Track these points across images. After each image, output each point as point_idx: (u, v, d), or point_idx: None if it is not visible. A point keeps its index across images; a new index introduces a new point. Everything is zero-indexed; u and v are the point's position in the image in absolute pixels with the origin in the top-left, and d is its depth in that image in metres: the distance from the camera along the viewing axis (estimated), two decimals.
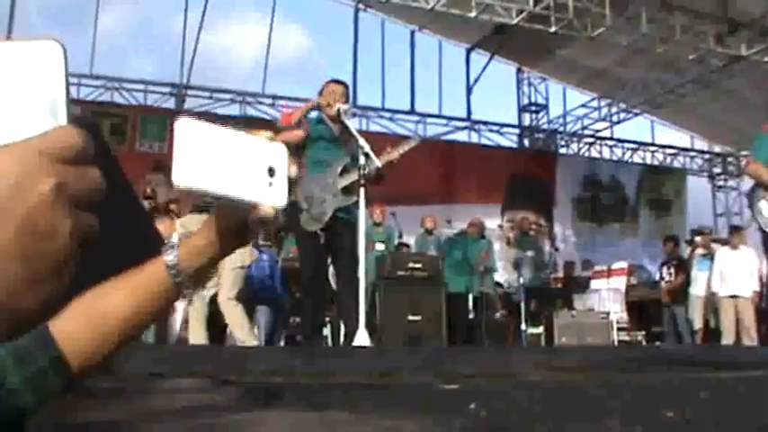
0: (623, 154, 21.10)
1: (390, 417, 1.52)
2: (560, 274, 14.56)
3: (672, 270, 12.18)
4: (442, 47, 19.04)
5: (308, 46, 21.73)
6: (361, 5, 17.72)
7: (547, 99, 20.38)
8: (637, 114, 20.02)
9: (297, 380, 2.69)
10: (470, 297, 10.82)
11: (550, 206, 19.26)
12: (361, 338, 5.49)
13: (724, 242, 11.80)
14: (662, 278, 12.45)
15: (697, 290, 11.64)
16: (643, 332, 12.75)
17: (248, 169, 1.10)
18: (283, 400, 1.93)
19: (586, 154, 20.68)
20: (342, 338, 6.49)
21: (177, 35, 16.66)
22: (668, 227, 19.23)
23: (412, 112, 18.64)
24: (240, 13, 22.54)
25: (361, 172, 5.79)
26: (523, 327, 10.86)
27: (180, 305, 7.44)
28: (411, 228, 12.51)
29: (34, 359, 1.00)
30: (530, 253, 12.26)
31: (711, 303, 11.43)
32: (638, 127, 20.99)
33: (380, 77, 18.36)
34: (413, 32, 18.64)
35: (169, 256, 1.13)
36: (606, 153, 20.93)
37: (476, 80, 19.18)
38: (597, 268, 14.64)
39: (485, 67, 19.15)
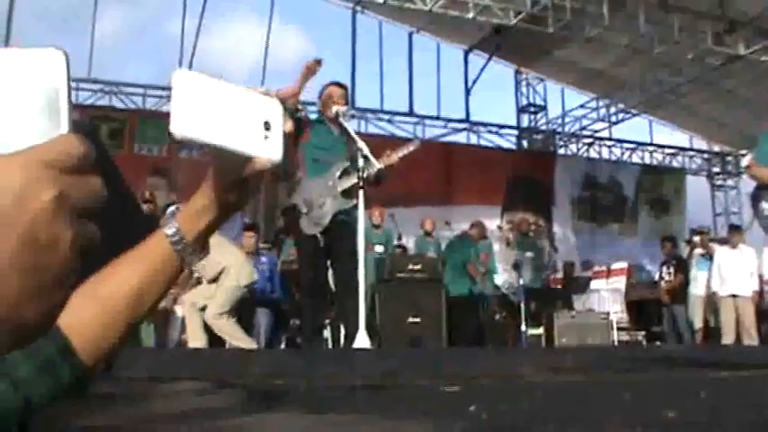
0: (622, 154, 21.11)
1: (391, 418, 1.52)
2: (560, 275, 14.58)
3: (671, 270, 12.20)
4: (440, 48, 19.07)
5: (306, 48, 21.67)
6: (358, 7, 17.71)
7: (545, 100, 20.37)
8: (635, 114, 20.02)
9: (298, 382, 2.69)
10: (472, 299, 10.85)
11: (550, 207, 19.25)
12: (362, 341, 5.49)
13: (723, 241, 11.80)
14: (661, 278, 12.47)
15: (697, 289, 11.65)
16: (643, 332, 12.75)
17: (245, 122, 1.09)
18: (284, 402, 1.93)
19: (585, 154, 20.68)
20: (342, 341, 6.49)
21: (175, 38, 16.68)
22: (667, 226, 19.25)
23: (410, 113, 18.62)
24: (238, 16, 22.59)
25: (361, 174, 5.80)
26: (524, 328, 10.86)
27: (179, 309, 7.44)
28: (410, 229, 12.51)
29: (41, 349, 0.99)
30: (529, 254, 12.28)
31: (711, 303, 11.45)
32: (636, 127, 21.01)
33: (379, 79, 18.38)
34: (411, 34, 18.62)
35: (168, 227, 1.12)
36: (605, 153, 20.93)
37: (474, 81, 19.17)
38: (597, 268, 14.64)
39: (483, 69, 19.13)
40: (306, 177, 6.16)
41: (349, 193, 5.99)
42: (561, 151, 20.51)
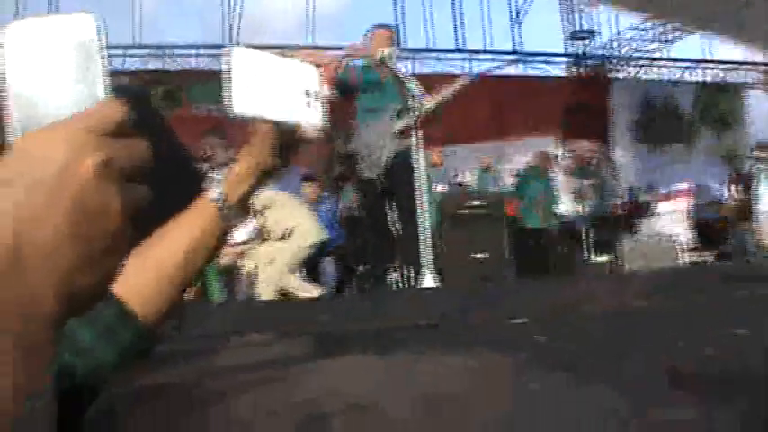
0: (679, 74, 20.62)
1: (454, 354, 1.55)
2: (623, 201, 14.41)
3: (735, 187, 11.99)
4: None
5: None
6: None
7: (596, 24, 19.90)
8: (690, 32, 19.50)
9: (364, 326, 2.73)
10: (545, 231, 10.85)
11: (608, 133, 18.96)
12: (428, 280, 5.52)
13: None
14: (726, 197, 12.27)
15: (763, 206, 11.43)
16: (710, 253, 12.60)
17: (290, 92, 1.17)
18: (350, 346, 1.96)
19: (641, 77, 20.25)
20: (408, 283, 6.54)
21: None
22: (730, 144, 18.86)
23: (459, 50, 18.41)
24: None
25: (414, 114, 5.78)
26: (589, 256, 10.80)
27: (246, 264, 7.53)
28: (469, 166, 12.49)
29: (100, 316, 1.04)
30: (590, 182, 12.15)
31: None
32: (692, 45, 20.41)
33: (424, 18, 18.15)
34: None
35: (213, 191, 1.17)
36: (661, 74, 20.46)
37: (523, 11, 18.86)
38: (660, 192, 14.44)
39: None
40: (360, 123, 6.17)
41: (404, 135, 5.98)
42: (616, 75, 20.10)
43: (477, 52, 18.56)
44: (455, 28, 18.34)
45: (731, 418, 0.80)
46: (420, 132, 5.83)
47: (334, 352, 1.84)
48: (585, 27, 19.81)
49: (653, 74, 20.35)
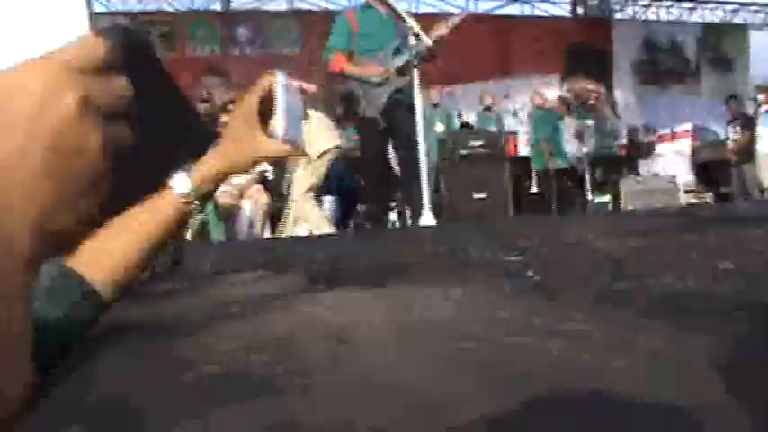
0: (681, 14, 20.42)
1: (446, 288, 1.58)
2: (624, 141, 14.37)
3: (737, 129, 11.95)
4: None
5: None
6: None
7: None
8: None
9: (360, 263, 2.75)
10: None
11: (609, 73, 18.83)
12: (427, 218, 5.55)
13: None
14: (727, 137, 12.24)
15: (764, 147, 11.41)
16: (711, 194, 12.62)
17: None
18: (341, 282, 1.99)
19: (643, 17, 20.08)
20: (407, 221, 6.57)
21: None
22: (731, 85, 18.72)
23: None
24: None
25: (413, 52, 5.76)
26: (590, 196, 10.83)
27: (246, 204, 7.56)
28: (469, 106, 12.47)
29: (68, 297, 1.09)
30: (591, 122, 12.12)
31: None
32: None
33: None
34: None
35: (183, 186, 1.25)
36: (663, 15, 20.25)
37: None
38: (661, 132, 14.39)
39: None
40: (359, 62, 6.13)
41: (403, 72, 5.96)
42: (618, 16, 19.91)
43: None
44: None
45: (700, 346, 0.83)
46: (419, 71, 5.82)
47: (324, 287, 1.87)
48: None
49: (655, 14, 20.14)
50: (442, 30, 5.89)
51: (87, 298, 1.12)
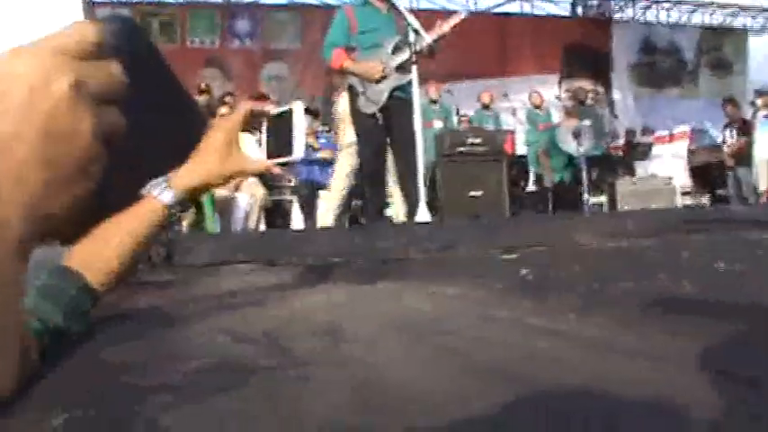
0: (680, 17, 20.43)
1: (439, 285, 1.58)
2: (621, 142, 14.38)
3: (734, 132, 11.96)
4: None
5: None
6: None
7: None
8: None
9: (353, 258, 2.75)
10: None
11: (608, 74, 18.88)
12: (422, 215, 5.55)
13: None
14: (725, 141, 12.25)
15: (761, 151, 11.42)
16: (707, 196, 12.62)
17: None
18: (334, 277, 1.99)
19: (642, 19, 20.09)
20: (404, 218, 6.57)
21: None
22: (730, 88, 18.73)
23: None
24: None
25: (413, 49, 5.76)
26: (586, 196, 10.83)
27: (241, 196, 7.56)
28: (468, 103, 12.47)
29: (65, 293, 1.09)
30: (588, 122, 12.12)
31: None
32: None
33: None
34: None
35: (167, 196, 1.27)
36: (663, 17, 20.28)
37: None
38: (658, 134, 14.38)
39: None
40: (359, 58, 6.13)
41: (403, 69, 5.96)
42: (617, 16, 19.94)
43: None
44: None
45: (693, 347, 0.83)
46: (418, 68, 5.83)
47: (316, 281, 1.87)
48: None
49: (654, 16, 20.16)
50: (443, 28, 5.89)
51: (83, 292, 1.13)
